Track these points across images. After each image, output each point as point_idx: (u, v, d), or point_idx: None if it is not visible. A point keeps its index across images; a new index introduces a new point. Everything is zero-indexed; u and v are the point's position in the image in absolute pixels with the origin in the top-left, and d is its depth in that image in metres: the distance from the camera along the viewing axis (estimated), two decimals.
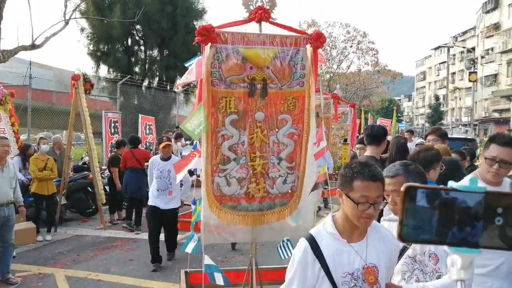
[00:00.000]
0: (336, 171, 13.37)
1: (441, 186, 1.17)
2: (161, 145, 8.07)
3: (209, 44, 4.71)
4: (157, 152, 11.01)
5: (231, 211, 4.95)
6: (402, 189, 1.15)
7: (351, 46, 41.63)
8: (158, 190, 7.95)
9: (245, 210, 4.98)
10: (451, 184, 1.15)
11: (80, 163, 13.85)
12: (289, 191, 5.10)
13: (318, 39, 4.94)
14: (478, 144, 19.21)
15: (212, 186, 4.91)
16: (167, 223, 7.99)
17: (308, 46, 4.96)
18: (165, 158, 8.04)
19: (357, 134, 16.49)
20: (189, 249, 5.10)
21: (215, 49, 4.74)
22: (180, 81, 5.12)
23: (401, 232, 1.14)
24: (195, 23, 27.11)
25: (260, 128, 4.91)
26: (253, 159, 4.96)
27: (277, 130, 4.98)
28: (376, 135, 5.48)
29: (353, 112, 14.84)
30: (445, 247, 1.19)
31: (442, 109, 73.56)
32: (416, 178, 2.79)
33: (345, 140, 14.72)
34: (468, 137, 21.51)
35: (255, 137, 4.92)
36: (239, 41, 4.79)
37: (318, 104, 12.27)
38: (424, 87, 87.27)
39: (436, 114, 70.45)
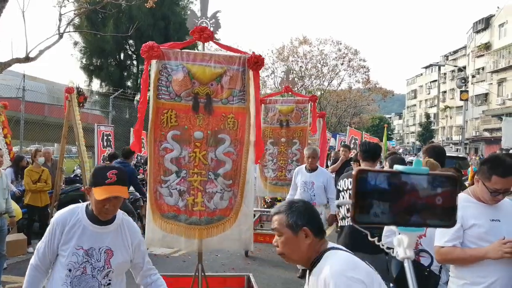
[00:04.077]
0: None
1: (389, 169, 1.26)
2: None
3: (155, 60, 5.03)
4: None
5: (173, 221, 5.12)
6: (353, 173, 1.23)
7: (342, 64, 41.79)
8: None
9: (184, 222, 5.13)
10: (397, 167, 1.24)
11: (72, 176, 13.81)
12: (226, 207, 5.23)
13: (255, 63, 5.19)
14: (470, 163, 19.35)
15: (155, 195, 5.10)
16: None
17: (247, 68, 5.23)
18: None
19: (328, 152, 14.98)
20: None
21: (161, 65, 5.07)
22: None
23: (354, 215, 1.21)
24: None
25: (199, 148, 5.14)
26: (192, 175, 5.15)
27: (215, 147, 5.19)
28: (373, 151, 5.56)
29: (323, 123, 11.82)
30: (393, 227, 1.27)
31: (433, 127, 74.05)
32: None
33: None
34: (460, 156, 21.61)
35: (194, 156, 5.13)
36: (185, 58, 5.12)
37: (289, 109, 10.55)
38: (415, 105, 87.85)
39: (427, 133, 70.87)
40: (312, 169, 7.85)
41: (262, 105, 10.20)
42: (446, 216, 1.24)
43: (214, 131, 5.17)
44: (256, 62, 5.19)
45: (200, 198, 5.14)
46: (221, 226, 5.21)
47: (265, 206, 12.90)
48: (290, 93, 11.40)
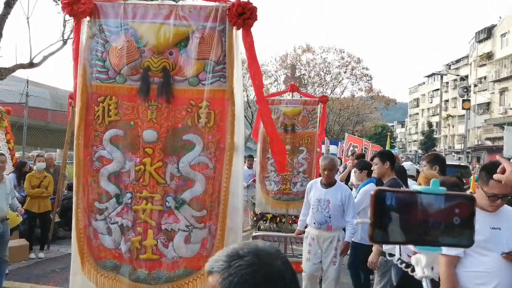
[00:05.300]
0: None
1: (407, 189, 1.31)
2: None
3: (85, 19, 3.35)
4: None
5: (113, 274, 3.30)
6: (372, 193, 1.24)
7: (345, 72, 41.76)
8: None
9: (129, 278, 3.25)
10: (415, 187, 1.25)
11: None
12: (197, 254, 3.27)
13: (240, 15, 3.17)
14: (472, 172, 19.32)
15: (86, 231, 3.29)
16: None
17: (228, 25, 3.28)
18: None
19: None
20: None
21: (96, 27, 3.35)
22: None
23: (372, 234, 1.22)
24: None
25: (151, 156, 3.26)
26: (138, 201, 3.30)
27: (178, 156, 3.31)
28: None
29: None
30: (411, 246, 1.28)
31: (435, 136, 73.91)
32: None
33: None
34: (462, 164, 21.61)
35: (142, 169, 3.29)
36: (130, 13, 3.33)
37: (295, 111, 9.09)
38: (418, 113, 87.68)
39: (429, 141, 70.75)
40: (328, 184, 6.03)
41: None
42: (464, 235, 1.24)
43: (175, 130, 3.32)
44: (241, 13, 3.16)
45: (151, 240, 3.24)
46: (187, 286, 3.21)
47: (255, 219, 10.60)
48: (296, 92, 9.88)
